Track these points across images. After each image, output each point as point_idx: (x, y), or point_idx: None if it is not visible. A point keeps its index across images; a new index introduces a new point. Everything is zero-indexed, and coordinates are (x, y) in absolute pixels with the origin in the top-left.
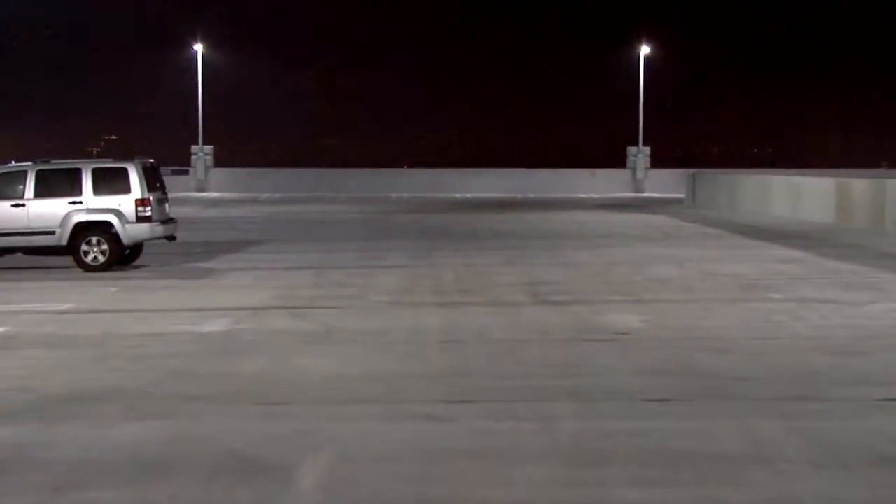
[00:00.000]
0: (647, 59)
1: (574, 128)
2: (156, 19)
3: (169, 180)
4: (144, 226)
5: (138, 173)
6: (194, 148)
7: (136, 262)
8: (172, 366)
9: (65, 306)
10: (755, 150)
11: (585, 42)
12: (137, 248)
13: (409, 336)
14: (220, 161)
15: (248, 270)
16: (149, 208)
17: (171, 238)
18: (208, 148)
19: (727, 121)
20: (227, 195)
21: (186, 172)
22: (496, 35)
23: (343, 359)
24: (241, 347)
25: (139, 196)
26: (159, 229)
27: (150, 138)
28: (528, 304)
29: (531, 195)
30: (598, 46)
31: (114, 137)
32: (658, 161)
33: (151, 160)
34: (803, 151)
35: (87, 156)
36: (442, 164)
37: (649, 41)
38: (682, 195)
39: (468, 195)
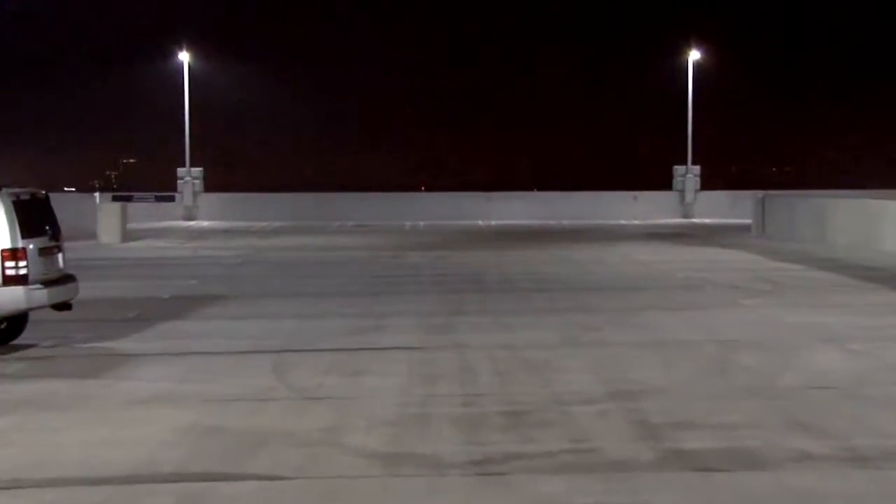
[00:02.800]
0: (697, 67)
1: (610, 146)
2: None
3: (152, 208)
4: (15, 290)
5: (5, 212)
6: (181, 171)
7: (19, 339)
8: None
9: None
10: (773, 169)
11: (623, 49)
12: (17, 319)
13: None
14: (213, 185)
15: (177, 358)
16: (22, 263)
17: (62, 307)
18: (196, 171)
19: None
20: (217, 224)
21: (172, 199)
22: (522, 42)
23: None
24: None
25: (6, 245)
26: (40, 295)
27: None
28: (646, 463)
29: (565, 222)
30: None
31: (132, 161)
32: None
33: (34, 191)
34: (825, 171)
35: (106, 181)
36: (462, 186)
37: (700, 46)
38: (736, 220)
39: (493, 223)
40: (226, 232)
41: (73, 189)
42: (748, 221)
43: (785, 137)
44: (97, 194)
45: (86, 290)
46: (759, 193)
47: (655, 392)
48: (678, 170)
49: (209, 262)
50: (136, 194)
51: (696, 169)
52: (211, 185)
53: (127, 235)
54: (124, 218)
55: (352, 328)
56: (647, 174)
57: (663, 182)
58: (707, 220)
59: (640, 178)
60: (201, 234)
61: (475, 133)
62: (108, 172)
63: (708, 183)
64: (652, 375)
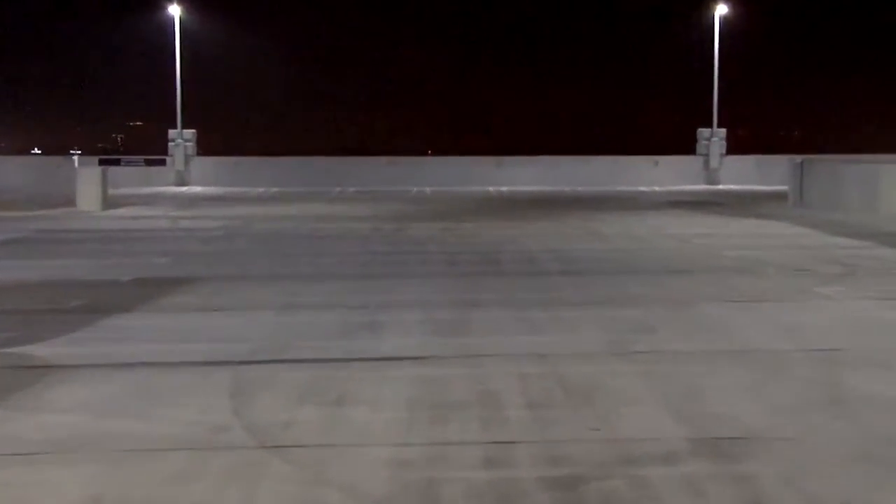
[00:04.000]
0: (724, 21)
1: (627, 107)
2: None
3: (142, 172)
4: None
5: None
6: (172, 133)
7: None
8: None
9: None
10: (781, 133)
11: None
12: None
13: None
14: (208, 149)
15: (112, 372)
16: None
17: None
18: (189, 133)
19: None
20: (211, 190)
21: (163, 163)
22: None
23: None
24: None
25: None
26: None
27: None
28: None
29: (580, 189)
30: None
31: (139, 124)
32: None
33: None
34: (831, 137)
35: (113, 145)
36: (471, 150)
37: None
38: (765, 188)
39: (504, 189)
40: (218, 199)
41: (80, 152)
42: (780, 188)
43: (816, 99)
44: (76, 157)
45: (34, 268)
46: (797, 158)
47: (759, 442)
48: (702, 133)
49: (188, 236)
50: (124, 158)
51: (722, 132)
52: (206, 148)
53: (108, 202)
54: (105, 184)
55: (341, 326)
56: (667, 137)
57: (684, 146)
58: (734, 187)
59: (659, 142)
60: (191, 201)
61: (485, 95)
62: (114, 135)
63: (731, 147)
64: (744, 410)
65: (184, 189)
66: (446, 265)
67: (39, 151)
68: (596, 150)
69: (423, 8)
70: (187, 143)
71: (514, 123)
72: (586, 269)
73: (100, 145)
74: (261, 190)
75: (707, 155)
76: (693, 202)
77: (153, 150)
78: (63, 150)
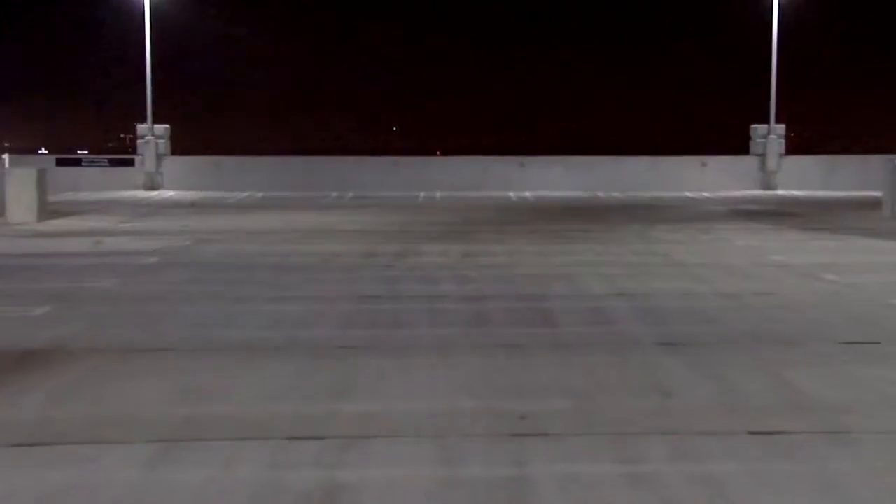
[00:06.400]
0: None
1: (670, 102)
2: None
3: (107, 173)
4: None
5: None
6: (141, 128)
7: None
8: None
9: None
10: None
11: None
12: None
13: None
14: (186, 147)
15: None
16: None
17: None
18: (161, 128)
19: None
20: (184, 194)
21: (132, 163)
22: None
23: None
24: None
25: None
26: None
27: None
28: None
29: (617, 194)
30: None
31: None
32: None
33: None
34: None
35: (121, 144)
36: (485, 149)
37: None
38: (835, 193)
39: (527, 194)
40: (188, 206)
41: (86, 151)
42: (851, 194)
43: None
44: (6, 156)
45: None
46: (893, 158)
47: None
48: (757, 130)
49: (107, 265)
50: (85, 157)
51: (781, 129)
52: (183, 146)
53: (49, 212)
54: (43, 189)
55: (269, 498)
56: (715, 135)
57: (734, 145)
58: (797, 193)
59: (705, 140)
60: (153, 209)
61: (503, 88)
62: (121, 135)
63: (790, 147)
64: None
65: (153, 194)
66: (471, 324)
67: (46, 151)
68: (630, 148)
69: None
70: (159, 141)
71: (534, 118)
72: (695, 334)
73: (110, 145)
74: (243, 195)
75: (763, 155)
76: (760, 212)
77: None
78: (71, 150)
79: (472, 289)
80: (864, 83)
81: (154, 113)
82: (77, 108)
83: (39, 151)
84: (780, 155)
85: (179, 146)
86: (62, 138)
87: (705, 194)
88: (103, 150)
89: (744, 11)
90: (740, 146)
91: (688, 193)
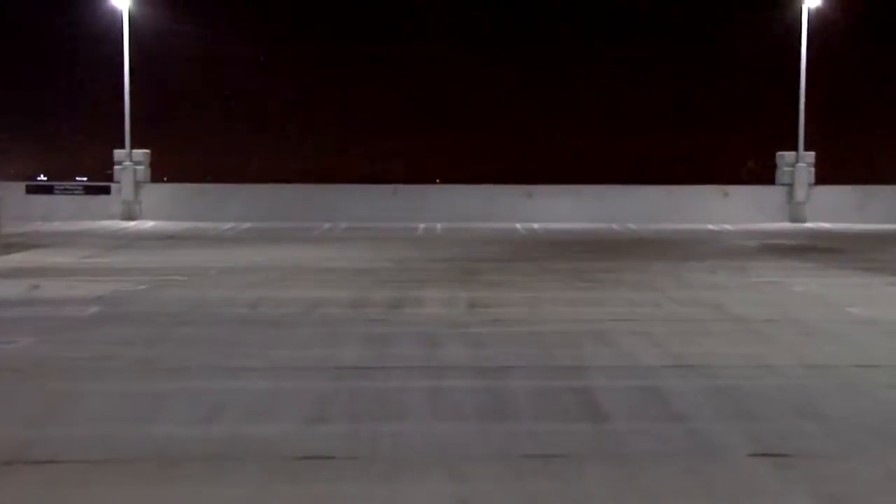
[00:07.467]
0: (813, 17)
1: (685, 125)
2: None
3: (81, 202)
4: None
5: None
6: (118, 153)
7: None
8: None
9: None
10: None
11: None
12: None
13: None
14: (170, 173)
15: None
16: None
17: None
18: (140, 153)
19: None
20: (163, 225)
21: (107, 191)
22: None
23: None
24: None
25: None
26: None
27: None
28: None
29: (633, 226)
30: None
31: (147, 151)
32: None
33: None
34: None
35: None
36: (485, 177)
37: None
38: (871, 226)
39: (536, 226)
40: (165, 239)
41: (85, 179)
42: (888, 227)
43: None
44: None
45: None
46: None
47: None
48: (784, 157)
49: (32, 317)
50: (57, 184)
51: (810, 156)
52: (164, 172)
53: (3, 244)
54: None
55: None
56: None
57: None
58: (827, 226)
59: (724, 167)
60: (127, 241)
61: (508, 111)
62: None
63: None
64: None
65: (130, 224)
66: (488, 415)
67: (45, 178)
68: (644, 176)
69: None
70: (138, 167)
71: (539, 146)
72: (801, 436)
73: (107, 172)
74: (228, 226)
75: (791, 184)
76: (795, 247)
77: (164, 175)
78: (70, 176)
79: (487, 355)
80: None
81: (133, 136)
82: (66, 134)
83: (38, 178)
84: (810, 184)
85: (165, 171)
86: (62, 162)
87: (728, 227)
88: (102, 175)
89: (770, 21)
90: (767, 175)
91: (710, 226)
